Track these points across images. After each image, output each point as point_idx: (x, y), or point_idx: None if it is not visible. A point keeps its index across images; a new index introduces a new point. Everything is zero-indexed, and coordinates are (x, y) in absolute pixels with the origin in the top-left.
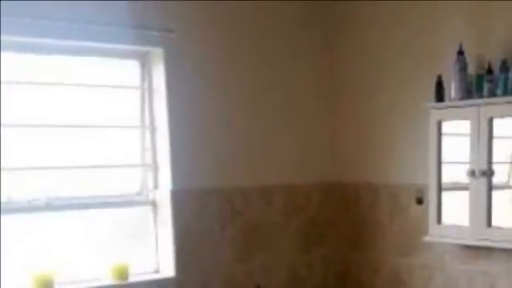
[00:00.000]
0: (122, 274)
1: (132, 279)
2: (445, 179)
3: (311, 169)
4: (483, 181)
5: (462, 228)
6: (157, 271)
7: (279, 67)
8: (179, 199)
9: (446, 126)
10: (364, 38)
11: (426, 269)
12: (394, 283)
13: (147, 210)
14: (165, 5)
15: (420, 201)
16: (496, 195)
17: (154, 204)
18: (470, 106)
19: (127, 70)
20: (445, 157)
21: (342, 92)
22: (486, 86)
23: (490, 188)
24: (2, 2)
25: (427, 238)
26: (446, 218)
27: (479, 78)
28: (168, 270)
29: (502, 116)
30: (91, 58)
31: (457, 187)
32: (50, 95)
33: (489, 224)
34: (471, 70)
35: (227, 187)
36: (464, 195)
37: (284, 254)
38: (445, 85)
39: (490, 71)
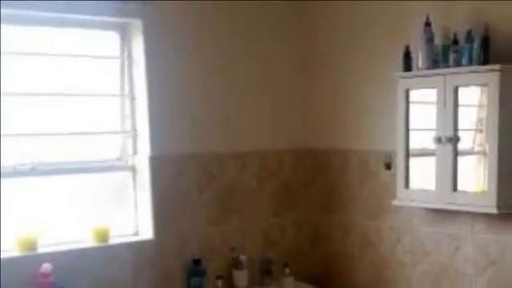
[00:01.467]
0: (103, 236)
1: (112, 241)
2: (412, 145)
3: (284, 135)
4: (449, 147)
5: (429, 192)
6: (136, 233)
7: (253, 38)
8: (157, 165)
9: (414, 95)
10: (335, 9)
11: (394, 231)
12: (363, 245)
13: (127, 175)
14: None
15: (388, 166)
16: (461, 161)
17: (133, 169)
18: (437, 75)
19: (107, 41)
20: (412, 124)
21: (314, 62)
22: (451, 56)
23: (456, 154)
24: None
25: (395, 202)
26: (414, 183)
27: (445, 49)
28: (147, 232)
29: (467, 85)
30: (72, 30)
31: (424, 153)
32: (33, 65)
33: (454, 188)
34: (438, 40)
35: (204, 153)
36: (431, 161)
37: (258, 217)
38: (412, 55)
39: (455, 42)
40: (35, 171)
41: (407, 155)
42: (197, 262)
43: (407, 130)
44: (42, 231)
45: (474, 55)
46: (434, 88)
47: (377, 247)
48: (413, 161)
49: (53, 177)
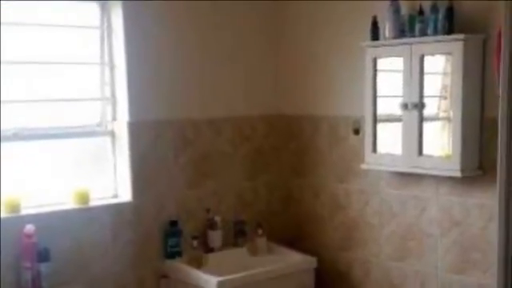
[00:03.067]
0: (83, 198)
1: (92, 203)
2: (380, 111)
3: (257, 102)
4: (415, 113)
5: (396, 156)
6: (115, 196)
7: (227, 9)
8: (136, 130)
9: (381, 63)
10: None
11: (363, 194)
12: (333, 207)
13: (106, 140)
14: None
15: (357, 131)
16: (426, 126)
17: (112, 134)
18: (403, 44)
19: (88, 12)
20: (380, 91)
21: (286, 32)
22: (417, 26)
23: (421, 120)
24: None
25: (363, 166)
26: (381, 147)
27: (411, 19)
28: (125, 195)
29: (432, 54)
30: (54, 1)
31: (391, 119)
32: (16, 35)
33: (420, 153)
34: (404, 11)
35: (180, 119)
36: (397, 126)
37: (231, 180)
38: (380, 25)
39: (421, 12)
40: (18, 136)
41: (375, 121)
42: (173, 223)
43: (375, 96)
44: (25, 194)
45: (439, 25)
46: (400, 57)
47: (346, 209)
48: (380, 126)
49: (35, 142)
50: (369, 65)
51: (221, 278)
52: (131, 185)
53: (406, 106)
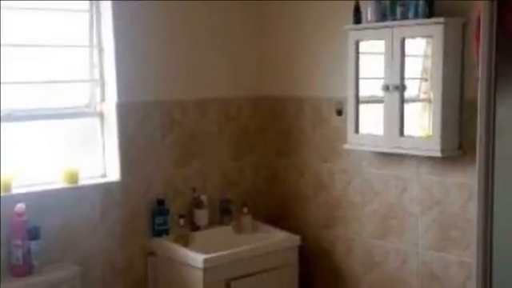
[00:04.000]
0: (73, 178)
1: (81, 183)
2: (362, 93)
3: (242, 83)
4: (396, 95)
5: (377, 137)
6: (104, 175)
7: None
8: (124, 111)
9: (363, 46)
10: None
11: (345, 173)
12: (316, 186)
13: (95, 120)
14: None
15: (340, 112)
16: (407, 108)
17: (101, 115)
18: (385, 27)
19: None
20: (362, 73)
21: (270, 15)
22: (398, 10)
23: (402, 101)
24: None
25: (346, 146)
26: (363, 128)
27: (393, 3)
28: (114, 174)
29: (413, 37)
30: None
31: (373, 100)
32: (6, 19)
33: (401, 133)
34: None
35: (167, 100)
36: (379, 107)
37: (217, 160)
38: (362, 9)
39: None
40: (11, 117)
41: (357, 102)
42: (160, 201)
43: (357, 78)
44: (16, 173)
45: (420, 9)
46: (382, 39)
47: (329, 188)
48: (362, 107)
49: (27, 123)
50: (351, 48)
51: (207, 256)
52: (119, 164)
53: (388, 87)
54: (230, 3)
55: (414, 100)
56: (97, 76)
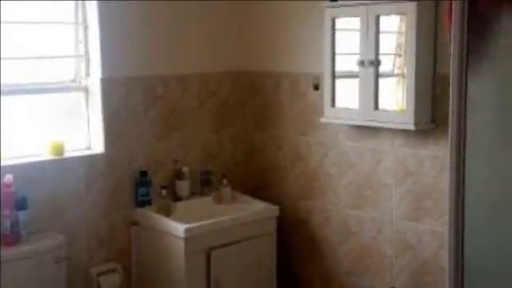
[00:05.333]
0: (59, 150)
1: (67, 155)
2: (338, 68)
3: (222, 59)
4: (371, 70)
5: (353, 111)
6: (88, 148)
7: None
8: (108, 86)
9: (339, 23)
10: None
11: (322, 146)
12: (294, 158)
13: (80, 95)
14: None
15: (316, 87)
16: (382, 82)
17: (86, 90)
18: (360, 4)
19: None
20: (338, 49)
21: None
22: None
23: (377, 76)
24: None
25: (323, 119)
26: (339, 102)
27: None
28: (98, 146)
29: (388, 14)
30: None
31: (348, 75)
32: None
33: (376, 107)
34: None
35: (150, 75)
36: (354, 82)
37: (198, 133)
38: None
39: None
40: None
41: (333, 77)
42: (143, 173)
43: (333, 54)
44: (4, 146)
45: None
46: (357, 17)
47: (306, 160)
48: (338, 82)
49: (14, 97)
50: (327, 24)
51: (188, 225)
52: (103, 137)
53: (363, 63)
54: None
55: (388, 75)
56: (82, 52)
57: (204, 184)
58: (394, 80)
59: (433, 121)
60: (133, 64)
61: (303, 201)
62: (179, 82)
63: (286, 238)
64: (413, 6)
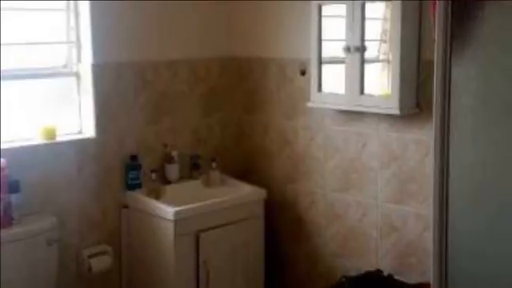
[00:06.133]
0: (51, 134)
1: (59, 139)
2: (324, 54)
3: (211, 45)
4: (357, 55)
5: (339, 95)
6: (80, 132)
7: None
8: (99, 71)
9: (326, 9)
10: None
11: (308, 130)
12: (281, 142)
13: (72, 80)
14: None
15: (303, 72)
16: (368, 68)
17: (77, 75)
18: None
19: None
20: (324, 35)
21: None
22: None
23: (363, 62)
24: None
25: (309, 104)
26: (325, 87)
27: None
28: (89, 131)
29: (373, 0)
30: None
31: (334, 61)
32: None
33: (361, 92)
34: None
35: (140, 61)
36: (341, 68)
37: (187, 117)
38: None
39: None
40: None
41: (320, 63)
42: (134, 157)
43: (320, 40)
44: None
45: None
46: (343, 3)
47: (293, 144)
48: (325, 68)
49: (7, 82)
50: (314, 11)
51: (177, 208)
52: (94, 122)
53: (349, 49)
54: None
55: (373, 61)
56: (73, 38)
57: (193, 168)
58: (379, 66)
59: (417, 105)
60: (123, 50)
61: (290, 184)
62: (169, 68)
63: (274, 221)
64: None
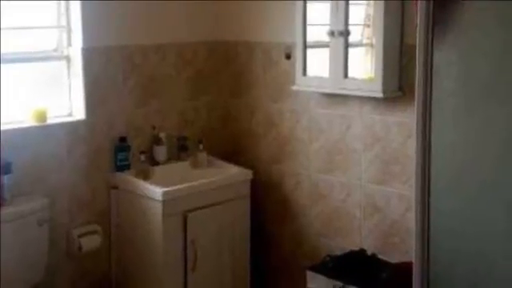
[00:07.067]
0: (41, 117)
1: (50, 121)
2: (309, 38)
3: (198, 29)
4: (341, 40)
5: (323, 79)
6: (70, 115)
7: None
8: (89, 55)
9: None
10: None
11: (294, 113)
12: (267, 124)
13: (62, 64)
14: None
15: (288, 56)
16: (351, 52)
17: (68, 59)
18: None
19: None
20: (309, 20)
21: None
22: None
23: (347, 46)
24: None
25: (294, 87)
26: (310, 71)
27: None
28: (79, 113)
29: None
30: None
31: (319, 45)
32: None
33: (345, 75)
34: None
35: (129, 45)
36: (325, 52)
37: (175, 100)
38: None
39: None
40: None
41: (305, 47)
42: (123, 139)
43: (305, 25)
44: None
45: None
46: None
47: (278, 126)
48: (309, 52)
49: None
50: None
51: (165, 189)
52: (84, 104)
53: (333, 33)
54: None
55: (357, 45)
56: (64, 23)
57: (181, 149)
58: (362, 50)
59: (400, 89)
60: (112, 34)
61: (276, 165)
62: (157, 52)
63: (260, 201)
64: None
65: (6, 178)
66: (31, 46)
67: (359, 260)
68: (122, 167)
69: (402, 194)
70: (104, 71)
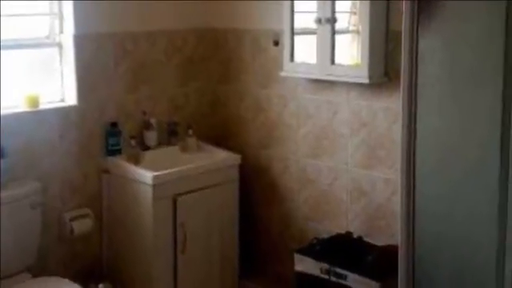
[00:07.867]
0: (34, 102)
1: (42, 107)
2: (297, 25)
3: (188, 17)
4: (328, 27)
5: (311, 65)
6: (62, 100)
7: None
8: (80, 42)
9: None
10: None
11: (282, 98)
12: (255, 110)
13: (54, 50)
14: None
15: (276, 43)
16: (338, 39)
17: (60, 46)
18: None
19: None
20: (296, 7)
21: None
22: None
23: (334, 33)
24: None
25: (282, 73)
26: (298, 57)
27: None
28: (71, 99)
29: None
30: None
31: (306, 32)
32: None
33: (332, 62)
34: None
35: (120, 32)
36: (312, 38)
37: (165, 86)
38: None
39: None
40: None
41: (292, 34)
42: (114, 124)
43: (292, 12)
44: None
45: None
46: None
47: (267, 111)
48: (297, 38)
49: None
50: None
51: (156, 173)
52: (76, 90)
53: (320, 20)
54: None
55: (344, 32)
56: (56, 10)
57: (171, 134)
58: (349, 36)
59: (386, 75)
60: (104, 21)
61: (264, 150)
62: (147, 39)
63: (248, 185)
64: None
65: (2, 163)
66: (24, 32)
67: (346, 243)
68: (113, 152)
69: (388, 178)
70: (95, 58)
